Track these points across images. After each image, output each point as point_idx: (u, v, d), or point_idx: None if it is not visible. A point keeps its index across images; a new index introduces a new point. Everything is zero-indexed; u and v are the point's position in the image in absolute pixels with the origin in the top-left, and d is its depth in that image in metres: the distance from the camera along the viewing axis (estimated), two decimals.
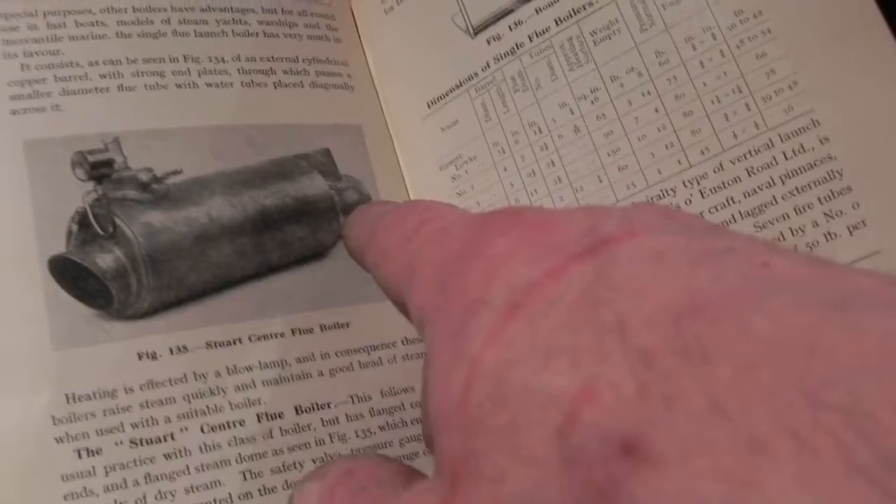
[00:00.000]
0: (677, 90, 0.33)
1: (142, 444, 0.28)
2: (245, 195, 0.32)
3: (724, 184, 0.32)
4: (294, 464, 0.30)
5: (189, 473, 0.28)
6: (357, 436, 0.31)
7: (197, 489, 0.28)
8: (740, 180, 0.32)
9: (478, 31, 0.37)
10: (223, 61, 0.34)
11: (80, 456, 0.28)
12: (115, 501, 0.28)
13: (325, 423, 0.31)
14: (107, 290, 0.30)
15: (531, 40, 0.36)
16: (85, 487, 0.28)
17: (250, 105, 0.34)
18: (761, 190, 0.31)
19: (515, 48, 0.36)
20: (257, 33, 0.36)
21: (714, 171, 0.32)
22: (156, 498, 0.28)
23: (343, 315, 0.33)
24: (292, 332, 0.32)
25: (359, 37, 0.40)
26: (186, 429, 0.29)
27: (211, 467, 0.29)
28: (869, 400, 0.11)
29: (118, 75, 0.33)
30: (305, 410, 0.31)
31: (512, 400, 0.14)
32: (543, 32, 0.36)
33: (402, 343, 0.33)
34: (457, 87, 0.37)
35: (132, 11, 0.34)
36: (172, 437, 0.29)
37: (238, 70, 0.35)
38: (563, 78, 0.35)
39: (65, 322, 0.29)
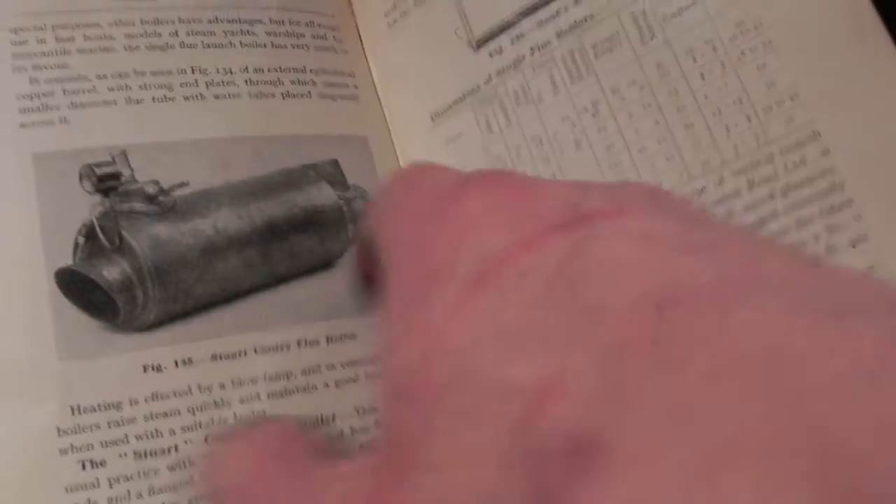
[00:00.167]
0: (678, 102, 0.33)
1: (146, 457, 0.28)
2: (252, 206, 0.33)
3: (724, 197, 0.32)
4: None
5: (193, 486, 0.29)
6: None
7: (200, 502, 0.29)
8: (741, 194, 0.32)
9: (480, 44, 0.38)
10: (231, 72, 0.35)
11: (84, 467, 0.28)
12: None
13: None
14: (113, 303, 0.30)
15: (533, 53, 0.36)
16: (89, 499, 0.28)
17: (258, 116, 0.35)
18: (762, 203, 0.31)
19: (517, 61, 0.37)
20: (265, 44, 0.36)
21: (715, 184, 0.32)
22: None
23: (350, 326, 0.33)
24: (298, 343, 0.32)
25: (363, 49, 0.40)
26: (191, 441, 0.29)
27: None
28: (843, 424, 0.10)
29: (126, 88, 0.33)
30: (310, 423, 0.31)
31: (473, 384, 0.13)
32: (545, 45, 0.36)
33: None
34: (460, 100, 0.38)
35: (140, 24, 0.34)
36: (177, 450, 0.29)
37: (246, 81, 0.35)
38: (564, 91, 0.36)
39: (71, 334, 0.29)
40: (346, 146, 0.36)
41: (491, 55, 0.37)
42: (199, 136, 0.33)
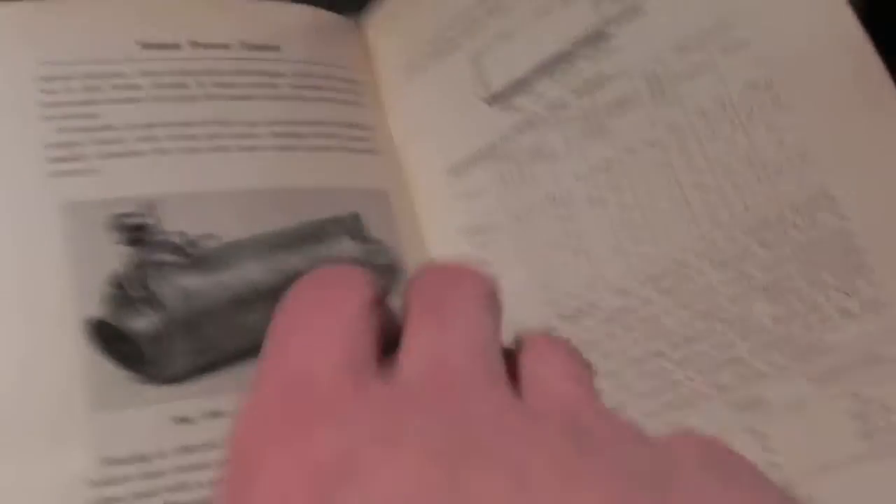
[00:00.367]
0: (690, 161, 0.34)
1: None
2: (278, 259, 0.33)
3: (736, 256, 0.32)
4: None
5: None
6: None
7: None
8: (753, 253, 0.32)
9: (496, 99, 0.38)
10: (255, 125, 0.35)
11: None
12: None
13: None
14: (142, 354, 0.30)
15: (547, 111, 0.37)
16: None
17: (282, 168, 0.35)
18: (775, 265, 0.32)
19: (532, 118, 0.37)
20: (288, 97, 0.37)
21: (726, 243, 0.33)
22: None
23: None
24: None
25: (381, 102, 0.41)
26: None
27: None
28: None
29: (154, 139, 0.33)
30: None
31: None
32: (560, 103, 0.37)
33: None
34: (477, 155, 0.38)
35: (167, 75, 0.35)
36: None
37: (270, 134, 0.35)
38: (578, 148, 0.36)
39: (101, 385, 0.29)
40: (367, 199, 0.36)
41: (506, 111, 0.38)
42: (225, 187, 0.33)
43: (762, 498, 0.15)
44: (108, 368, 0.30)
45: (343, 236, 0.35)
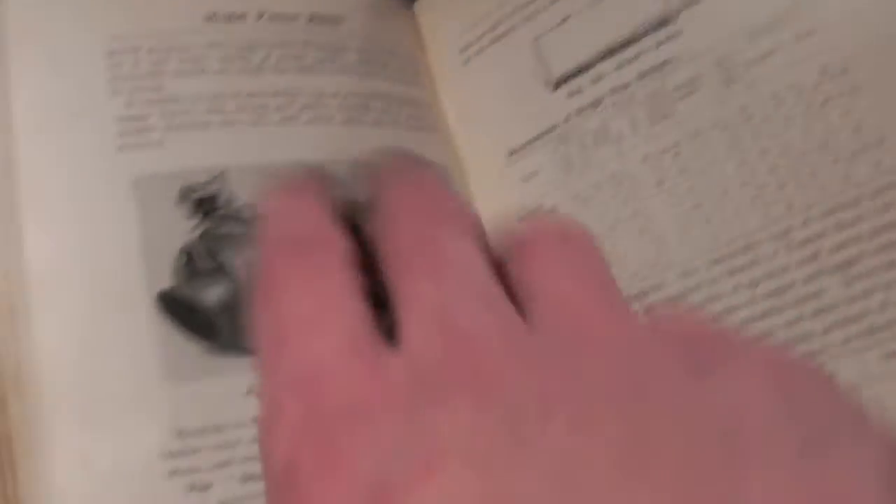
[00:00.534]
0: (762, 145, 0.34)
1: (252, 480, 0.28)
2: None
3: (809, 238, 0.32)
4: None
5: None
6: None
7: None
8: (827, 234, 0.32)
9: (558, 84, 0.38)
10: (322, 96, 0.35)
11: (190, 491, 0.27)
12: None
13: None
14: (214, 325, 0.30)
15: (612, 94, 0.37)
16: None
17: (349, 141, 0.35)
18: (848, 245, 0.32)
19: (596, 102, 0.37)
20: (354, 71, 0.36)
21: (800, 226, 0.32)
22: None
23: None
24: None
25: (435, 84, 0.40)
26: None
27: None
28: None
29: (220, 111, 0.33)
30: None
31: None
32: (625, 87, 0.36)
33: None
34: (537, 138, 0.38)
35: (233, 47, 0.34)
36: None
37: (337, 106, 0.35)
38: (644, 132, 0.36)
39: (174, 357, 0.29)
40: None
41: (569, 95, 0.38)
42: (292, 158, 0.33)
43: (861, 476, 0.13)
44: (181, 340, 0.29)
45: None
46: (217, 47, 0.34)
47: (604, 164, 0.36)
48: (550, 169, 0.37)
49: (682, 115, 0.35)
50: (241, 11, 0.35)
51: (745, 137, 0.34)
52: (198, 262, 0.30)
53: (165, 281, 0.30)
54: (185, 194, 0.31)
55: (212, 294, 0.30)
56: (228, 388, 0.29)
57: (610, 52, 0.37)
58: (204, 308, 0.30)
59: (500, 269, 0.16)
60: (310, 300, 0.15)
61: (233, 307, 0.30)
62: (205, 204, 0.31)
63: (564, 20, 0.38)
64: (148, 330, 0.29)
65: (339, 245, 0.16)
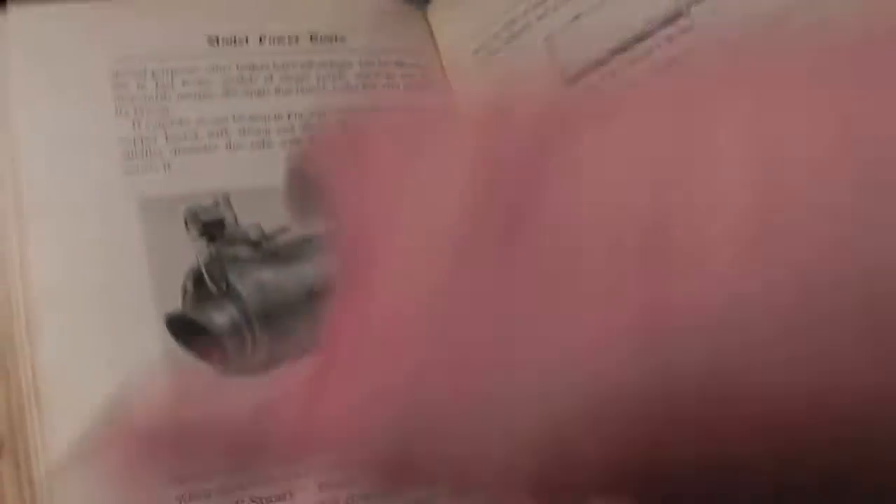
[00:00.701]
0: None
1: (262, 502, 0.28)
2: None
3: None
4: None
5: None
6: None
7: None
8: None
9: (572, 82, 0.37)
10: (326, 115, 0.35)
11: None
12: None
13: None
14: (223, 347, 0.30)
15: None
16: None
17: None
18: None
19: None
20: (357, 86, 0.36)
21: None
22: None
23: None
24: None
25: (449, 86, 0.40)
26: (306, 488, 0.29)
27: None
28: None
29: (225, 133, 0.33)
30: None
31: None
32: (638, 82, 0.36)
33: None
34: None
35: (236, 69, 0.35)
36: (291, 496, 0.29)
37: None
38: None
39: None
40: None
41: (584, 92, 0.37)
42: None
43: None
44: (189, 362, 0.30)
45: None
46: (220, 71, 0.34)
47: None
48: None
49: None
50: (242, 35, 0.35)
51: None
52: (206, 284, 0.31)
53: (173, 303, 0.30)
54: (192, 217, 0.31)
55: (221, 317, 0.30)
56: None
57: (623, 48, 0.36)
58: (213, 330, 0.30)
59: None
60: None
61: (241, 330, 0.31)
62: (212, 227, 0.31)
63: (576, 18, 0.38)
64: (157, 351, 0.29)
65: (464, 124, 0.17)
